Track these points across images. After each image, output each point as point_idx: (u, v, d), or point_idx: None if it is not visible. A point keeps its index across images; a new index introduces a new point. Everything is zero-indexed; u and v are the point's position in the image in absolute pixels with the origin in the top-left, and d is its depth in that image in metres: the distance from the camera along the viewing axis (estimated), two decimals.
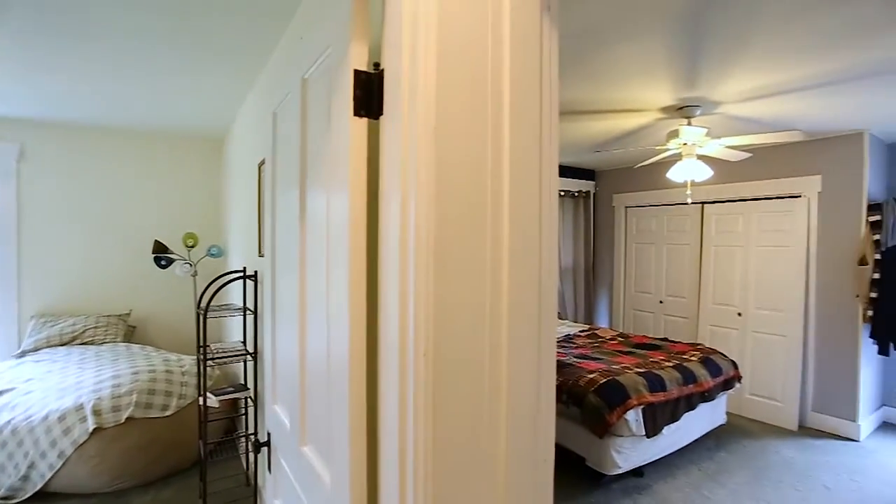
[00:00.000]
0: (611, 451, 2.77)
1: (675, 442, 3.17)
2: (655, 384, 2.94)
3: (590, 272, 5.61)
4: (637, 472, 3.00)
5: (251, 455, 2.68)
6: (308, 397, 1.16)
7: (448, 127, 0.78)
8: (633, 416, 2.77)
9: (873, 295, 3.58)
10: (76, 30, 2.03)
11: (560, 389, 2.95)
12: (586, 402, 2.75)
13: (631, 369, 3.08)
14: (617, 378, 2.86)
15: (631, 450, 2.85)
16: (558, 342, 3.85)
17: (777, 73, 2.45)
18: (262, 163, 2.32)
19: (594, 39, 2.09)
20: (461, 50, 0.80)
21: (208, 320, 2.47)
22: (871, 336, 3.66)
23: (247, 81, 2.66)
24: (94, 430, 2.54)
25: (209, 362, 2.39)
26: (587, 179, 5.66)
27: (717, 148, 3.18)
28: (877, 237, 3.59)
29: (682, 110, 3.01)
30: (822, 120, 3.31)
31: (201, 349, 2.34)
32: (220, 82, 2.69)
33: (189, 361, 3.26)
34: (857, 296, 3.65)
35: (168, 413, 2.79)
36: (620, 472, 2.82)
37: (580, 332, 4.25)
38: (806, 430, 3.85)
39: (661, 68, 2.42)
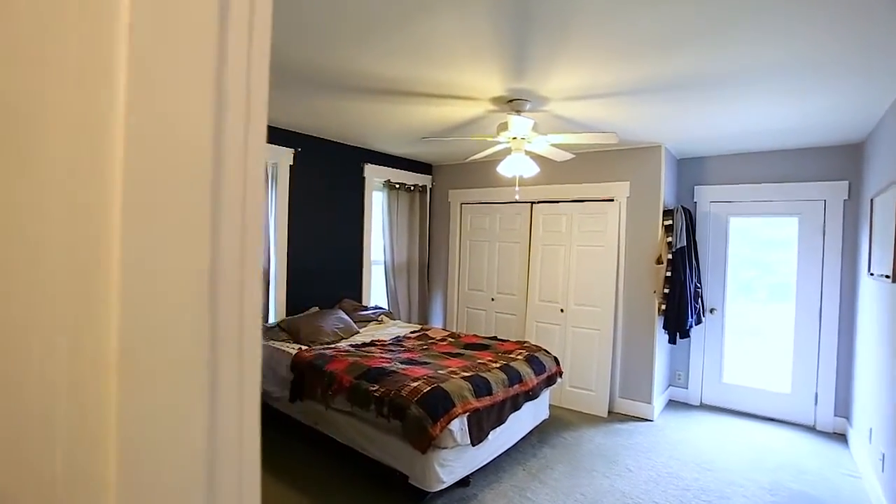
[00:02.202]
0: (434, 465, 2.53)
1: (501, 445, 3.09)
2: (482, 388, 2.79)
3: (424, 269, 5.43)
4: (463, 482, 2.82)
5: None
6: None
7: None
8: (458, 425, 2.57)
9: (666, 290, 4.01)
10: None
11: (381, 402, 2.62)
12: (408, 416, 2.46)
13: (458, 373, 2.89)
14: (442, 385, 2.64)
15: (456, 461, 2.65)
16: (386, 346, 3.53)
17: (594, 75, 2.48)
18: None
19: (413, 2, 1.80)
20: None
21: None
22: (664, 327, 4.11)
23: None
24: None
25: None
26: (424, 173, 5.48)
27: (545, 146, 3.19)
28: (669, 239, 4.03)
29: (513, 103, 2.93)
30: (631, 129, 3.56)
31: None
32: None
33: None
34: (655, 291, 4.06)
35: None
36: (445, 486, 2.60)
37: (411, 333, 4.00)
38: (614, 416, 4.17)
39: (489, 51, 2.23)
